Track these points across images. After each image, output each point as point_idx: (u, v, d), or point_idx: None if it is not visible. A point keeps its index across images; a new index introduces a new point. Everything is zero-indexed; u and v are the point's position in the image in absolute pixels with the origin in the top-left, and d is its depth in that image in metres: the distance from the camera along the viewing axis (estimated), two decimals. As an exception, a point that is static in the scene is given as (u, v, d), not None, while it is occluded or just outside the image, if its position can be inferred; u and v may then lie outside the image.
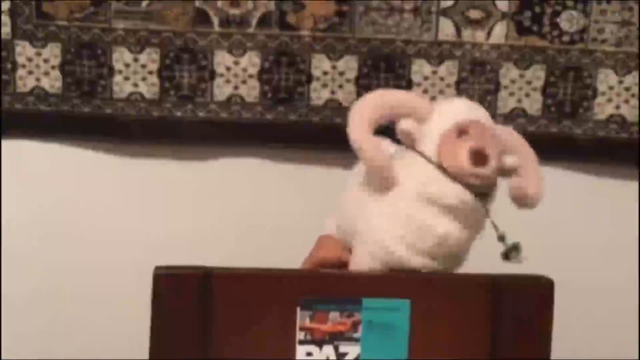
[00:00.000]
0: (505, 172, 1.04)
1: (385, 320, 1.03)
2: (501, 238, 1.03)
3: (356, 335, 1.03)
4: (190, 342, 1.01)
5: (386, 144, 1.05)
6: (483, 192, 1.01)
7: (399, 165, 1.02)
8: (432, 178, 1.00)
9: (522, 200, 1.06)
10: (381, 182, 1.02)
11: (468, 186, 0.99)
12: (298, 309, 1.02)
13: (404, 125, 1.02)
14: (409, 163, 1.02)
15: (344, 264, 1.06)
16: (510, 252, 1.04)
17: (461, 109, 1.04)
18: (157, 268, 1.01)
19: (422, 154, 1.01)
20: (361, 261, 1.05)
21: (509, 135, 1.09)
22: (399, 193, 1.02)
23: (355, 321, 1.03)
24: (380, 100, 1.04)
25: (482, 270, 1.06)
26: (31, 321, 1.56)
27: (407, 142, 1.03)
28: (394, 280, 1.04)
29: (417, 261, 1.02)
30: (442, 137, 1.01)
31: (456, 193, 1.00)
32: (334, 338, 1.03)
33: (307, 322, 1.02)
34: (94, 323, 1.55)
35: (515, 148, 1.06)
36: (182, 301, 1.01)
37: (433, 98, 1.48)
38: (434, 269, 1.02)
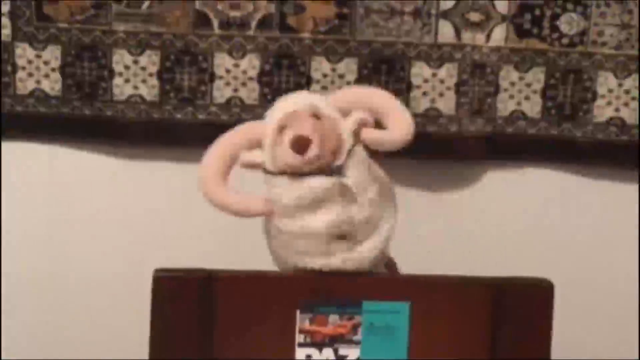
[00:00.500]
0: (357, 130, 1.03)
1: (385, 323, 1.03)
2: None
3: (356, 337, 1.03)
4: (190, 344, 1.01)
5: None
6: (335, 167, 1.01)
7: (267, 193, 1.05)
8: (283, 187, 1.02)
9: (384, 146, 1.05)
10: (264, 220, 1.06)
11: (316, 173, 1.00)
12: (298, 312, 1.02)
13: (242, 159, 1.04)
14: (270, 186, 1.04)
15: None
16: None
17: (278, 109, 1.05)
18: (158, 270, 1.01)
19: (268, 172, 1.03)
20: None
21: (354, 94, 1.10)
22: (274, 220, 1.04)
23: (355, 324, 1.03)
24: (220, 152, 1.05)
25: (481, 273, 1.06)
26: (31, 322, 1.56)
27: (258, 169, 1.04)
28: (394, 283, 1.05)
29: (336, 263, 1.03)
30: (270, 145, 1.02)
31: (308, 187, 1.01)
32: (334, 341, 1.03)
33: (307, 325, 1.03)
34: (95, 325, 1.55)
35: (361, 103, 1.05)
36: (182, 303, 1.01)
37: (433, 100, 1.49)
38: (368, 260, 1.03)
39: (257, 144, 1.04)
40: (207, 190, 1.04)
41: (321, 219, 1.01)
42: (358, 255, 1.03)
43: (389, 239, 1.07)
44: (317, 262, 1.03)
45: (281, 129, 1.01)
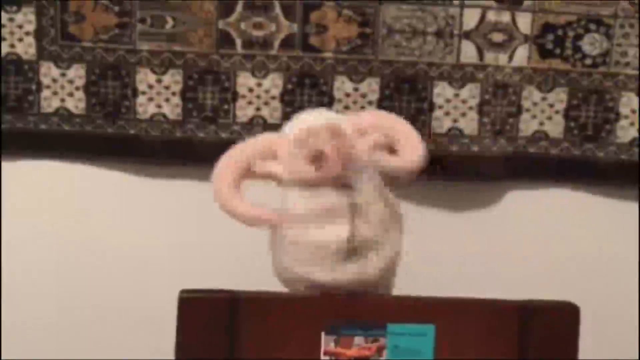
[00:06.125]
0: (370, 152, 1.06)
1: (410, 345, 1.03)
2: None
3: (381, 360, 1.03)
4: (215, 365, 1.01)
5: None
6: (346, 183, 1.03)
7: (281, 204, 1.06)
8: (296, 198, 1.04)
9: (395, 172, 1.08)
10: (272, 229, 1.07)
11: (328, 187, 1.03)
12: (323, 334, 1.02)
13: (258, 169, 1.06)
14: (284, 196, 1.06)
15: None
16: None
17: (298, 124, 1.07)
18: (183, 291, 1.01)
19: (282, 183, 1.05)
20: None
21: (372, 118, 1.12)
22: (285, 229, 1.05)
23: (380, 346, 1.03)
24: (233, 160, 1.07)
25: (502, 293, 1.06)
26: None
27: (273, 179, 1.06)
28: (419, 305, 1.04)
29: (340, 277, 1.03)
30: (287, 157, 1.04)
31: (320, 199, 1.03)
32: (359, 363, 1.03)
33: (332, 347, 1.02)
34: (109, 344, 1.55)
35: (377, 128, 1.08)
36: (207, 324, 1.01)
37: (455, 120, 1.49)
38: (368, 277, 1.04)
39: (271, 155, 1.06)
40: (220, 198, 1.06)
41: (330, 233, 1.03)
42: (362, 273, 1.04)
43: (394, 260, 1.08)
44: (322, 275, 1.04)
45: (300, 142, 1.03)
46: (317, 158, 1.01)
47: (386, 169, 1.07)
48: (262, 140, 1.09)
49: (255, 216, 1.06)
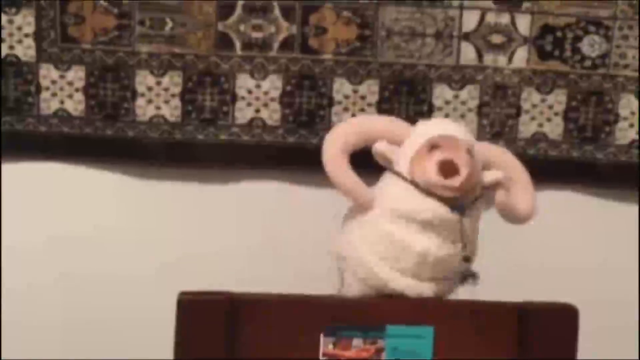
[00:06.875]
0: (490, 187, 1.05)
1: (409, 347, 1.03)
2: (466, 259, 1.04)
3: (380, 362, 1.03)
4: (214, 367, 1.01)
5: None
6: (460, 206, 1.01)
7: (378, 187, 1.05)
8: (405, 195, 1.02)
9: (508, 216, 1.08)
10: (360, 206, 1.05)
11: (443, 200, 1.00)
12: (322, 335, 1.02)
13: (379, 147, 1.04)
14: (386, 184, 1.05)
15: None
16: (467, 278, 1.05)
17: (435, 127, 1.06)
18: (182, 293, 1.01)
19: (396, 173, 1.03)
20: (351, 287, 1.06)
21: (499, 153, 1.11)
22: (376, 214, 1.03)
23: (379, 348, 1.03)
24: (354, 127, 1.06)
25: (501, 295, 1.06)
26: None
27: (384, 164, 1.05)
28: (418, 307, 1.04)
29: (402, 282, 1.03)
30: (414, 154, 1.02)
31: (429, 207, 1.01)
32: (357, 365, 1.03)
33: (331, 349, 1.02)
34: (109, 346, 1.55)
35: (501, 164, 1.08)
36: (206, 326, 1.01)
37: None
38: (423, 292, 1.03)
39: (394, 140, 1.04)
40: (327, 161, 1.04)
41: (420, 241, 1.01)
42: (417, 289, 1.03)
43: (446, 293, 1.07)
44: (382, 271, 1.03)
45: (434, 146, 1.01)
46: (449, 169, 0.99)
47: (505, 210, 1.07)
48: (391, 123, 1.08)
49: (355, 190, 1.03)
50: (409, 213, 1.01)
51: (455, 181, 0.99)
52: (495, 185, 1.05)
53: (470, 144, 1.04)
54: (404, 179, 1.02)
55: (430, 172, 1.00)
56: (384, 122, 1.08)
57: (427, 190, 1.01)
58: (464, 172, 0.99)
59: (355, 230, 1.06)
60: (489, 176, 1.05)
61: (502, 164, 1.08)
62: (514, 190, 1.07)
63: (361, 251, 1.04)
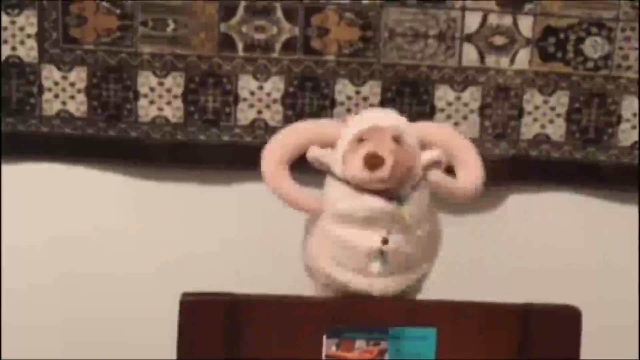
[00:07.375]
0: (427, 167, 1.02)
1: (412, 349, 1.03)
2: (385, 241, 1.01)
3: (383, 363, 1.03)
4: (216, 368, 1.01)
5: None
6: (397, 194, 1.00)
7: (322, 192, 1.04)
8: (342, 196, 1.01)
9: (444, 194, 1.06)
10: (311, 214, 1.05)
11: (378, 193, 0.99)
12: (324, 337, 1.02)
13: (311, 153, 1.02)
14: (327, 187, 1.04)
15: None
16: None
17: (363, 120, 1.04)
18: (185, 294, 1.01)
19: (331, 175, 1.03)
20: (318, 293, 1.07)
21: (440, 131, 1.09)
22: (323, 220, 1.03)
23: (382, 349, 1.03)
24: (288, 138, 1.05)
25: (503, 296, 1.06)
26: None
27: (322, 168, 1.03)
28: (420, 309, 1.04)
29: (363, 282, 1.02)
30: (344, 152, 1.02)
31: (365, 204, 1.00)
32: (360, 366, 1.03)
33: (334, 350, 1.02)
34: (110, 347, 1.55)
35: (441, 143, 1.04)
36: (208, 327, 1.01)
37: (456, 124, 1.49)
38: (388, 288, 1.02)
39: (329, 144, 1.03)
40: (267, 175, 1.03)
41: (367, 238, 1.01)
42: (385, 284, 1.03)
43: (421, 281, 1.07)
44: (346, 276, 1.03)
45: (360, 140, 1.00)
46: (374, 162, 0.98)
47: (441, 189, 1.04)
48: (323, 126, 1.07)
49: (299, 201, 1.03)
50: (349, 213, 1.01)
51: (381, 172, 0.98)
52: (432, 165, 1.03)
53: (398, 130, 1.01)
54: (339, 179, 1.02)
55: (356, 168, 0.99)
56: (315, 126, 1.07)
57: (360, 187, 1.00)
58: (389, 162, 0.98)
59: (310, 238, 1.06)
60: (425, 156, 1.02)
61: (443, 143, 1.05)
62: (457, 169, 1.05)
63: (318, 259, 1.05)
